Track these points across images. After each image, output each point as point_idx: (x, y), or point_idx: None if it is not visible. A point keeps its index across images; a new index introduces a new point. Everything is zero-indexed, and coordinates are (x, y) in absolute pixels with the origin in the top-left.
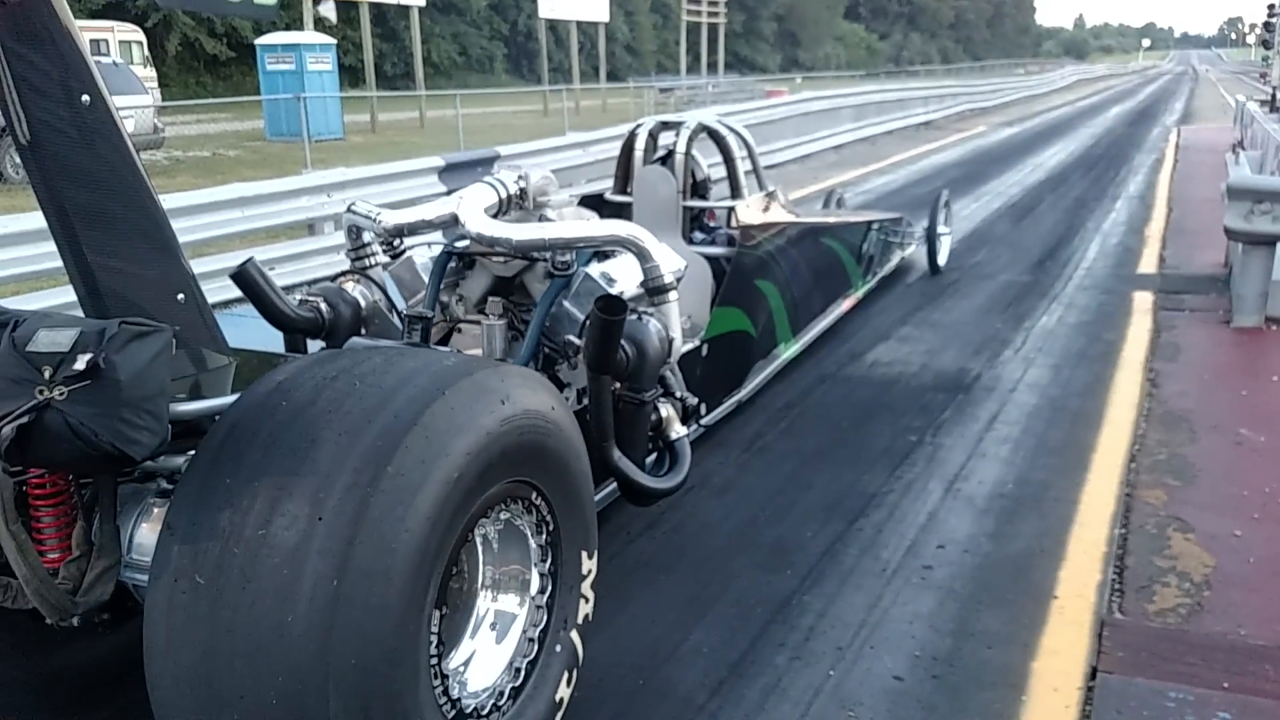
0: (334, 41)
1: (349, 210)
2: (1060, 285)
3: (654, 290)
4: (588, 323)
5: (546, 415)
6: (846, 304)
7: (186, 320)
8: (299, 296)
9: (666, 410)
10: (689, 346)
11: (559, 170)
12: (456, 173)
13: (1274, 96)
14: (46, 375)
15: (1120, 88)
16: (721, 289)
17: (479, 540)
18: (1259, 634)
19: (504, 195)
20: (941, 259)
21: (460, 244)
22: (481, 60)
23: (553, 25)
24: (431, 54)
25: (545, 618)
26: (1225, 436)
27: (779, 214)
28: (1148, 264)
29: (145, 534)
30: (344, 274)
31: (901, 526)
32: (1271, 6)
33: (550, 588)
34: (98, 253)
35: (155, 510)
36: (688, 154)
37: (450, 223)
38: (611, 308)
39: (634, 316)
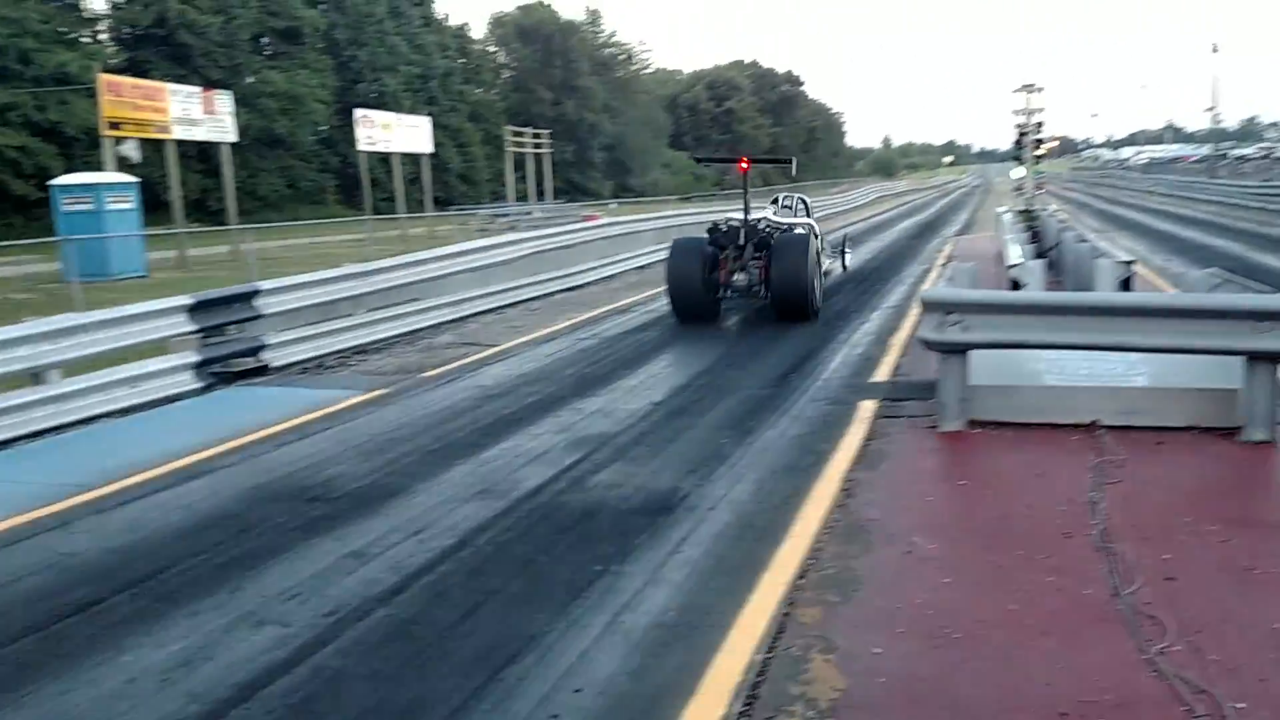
0: (135, 180)
1: None
2: (795, 398)
3: None
4: None
5: None
6: None
7: None
8: None
9: None
10: None
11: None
12: (210, 311)
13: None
14: None
15: (916, 202)
16: None
17: None
18: None
19: None
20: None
21: None
22: (312, 191)
23: (383, 157)
24: (258, 188)
25: None
26: (897, 546)
27: None
28: (883, 372)
29: None
30: None
31: (548, 671)
32: (1020, 126)
33: None
34: None
35: None
36: None
37: None
38: None
39: None
